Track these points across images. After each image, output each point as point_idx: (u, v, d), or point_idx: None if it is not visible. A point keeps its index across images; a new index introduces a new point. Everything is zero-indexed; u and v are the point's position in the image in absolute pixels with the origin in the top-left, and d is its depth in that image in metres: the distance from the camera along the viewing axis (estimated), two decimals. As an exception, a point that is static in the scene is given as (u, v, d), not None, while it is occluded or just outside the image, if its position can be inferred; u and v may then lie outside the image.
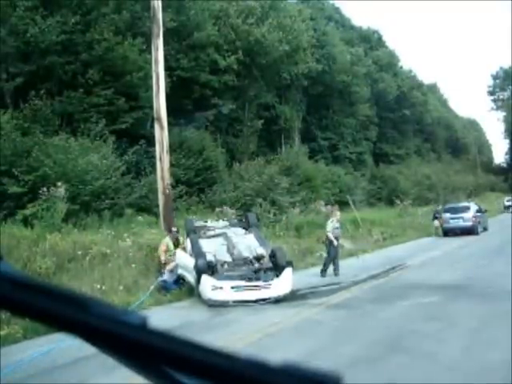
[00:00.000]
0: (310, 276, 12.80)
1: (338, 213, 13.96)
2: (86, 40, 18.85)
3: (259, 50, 26.64)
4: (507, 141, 68.51)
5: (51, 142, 15.33)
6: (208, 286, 9.61)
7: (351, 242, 18.92)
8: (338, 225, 13.28)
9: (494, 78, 69.57)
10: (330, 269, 13.00)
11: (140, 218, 15.73)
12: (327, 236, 13.21)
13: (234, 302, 9.47)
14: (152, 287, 10.49)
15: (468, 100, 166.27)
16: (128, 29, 20.16)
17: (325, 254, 13.76)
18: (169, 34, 19.04)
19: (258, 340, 6.85)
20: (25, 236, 11.34)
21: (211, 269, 10.08)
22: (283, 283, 9.99)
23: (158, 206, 14.87)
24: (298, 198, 22.83)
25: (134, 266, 11.59)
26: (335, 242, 13.00)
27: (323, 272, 12.87)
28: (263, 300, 9.57)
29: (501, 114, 69.09)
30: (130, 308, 9.19)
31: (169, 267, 11.07)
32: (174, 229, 12.00)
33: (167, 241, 11.63)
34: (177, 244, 11.65)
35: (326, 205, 23.52)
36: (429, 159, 51.05)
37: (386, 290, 10.35)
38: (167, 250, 11.47)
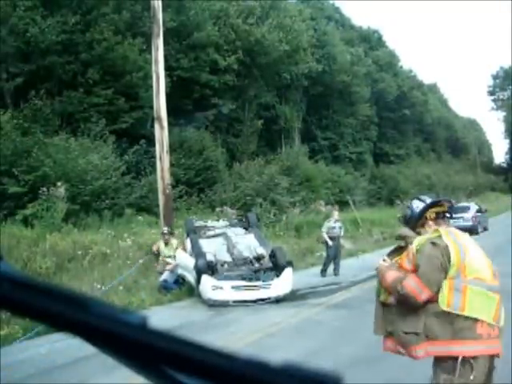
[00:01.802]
0: (310, 276, 12.81)
1: (336, 213, 14.01)
2: (86, 40, 18.84)
3: (259, 50, 26.63)
4: (507, 141, 68.45)
5: (51, 142, 15.33)
6: (208, 285, 9.62)
7: (351, 242, 18.91)
8: (335, 225, 13.28)
9: (494, 78, 69.48)
10: (330, 269, 13.01)
11: (140, 217, 15.73)
12: (323, 236, 13.32)
13: (234, 301, 9.47)
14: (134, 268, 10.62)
15: (468, 100, 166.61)
16: (128, 29, 20.16)
17: (325, 254, 13.79)
18: (169, 34, 19.02)
19: (258, 340, 6.85)
20: (25, 236, 11.34)
21: (211, 269, 10.08)
22: (283, 283, 9.99)
23: (158, 205, 14.85)
24: (298, 198, 22.82)
25: (133, 266, 11.61)
26: (330, 243, 13.05)
27: (323, 272, 12.89)
28: (263, 300, 9.58)
29: (501, 114, 69.06)
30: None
31: (169, 267, 11.09)
32: (164, 229, 11.91)
33: (159, 243, 11.69)
34: (166, 245, 11.60)
35: (326, 205, 23.52)
36: (429, 159, 51.00)
37: (386, 290, 10.34)
38: (158, 252, 11.55)
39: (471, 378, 2.81)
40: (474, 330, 2.85)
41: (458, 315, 2.86)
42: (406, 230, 3.26)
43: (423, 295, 2.90)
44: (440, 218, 3.25)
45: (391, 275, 3.09)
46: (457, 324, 2.86)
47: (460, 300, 2.88)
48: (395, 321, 3.07)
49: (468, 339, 2.85)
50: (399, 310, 3.07)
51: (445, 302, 2.88)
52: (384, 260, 3.29)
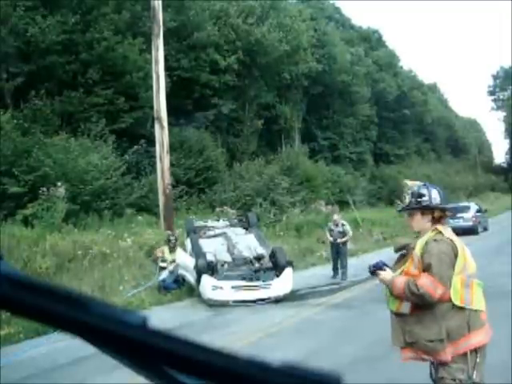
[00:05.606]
0: (310, 276, 12.81)
1: (335, 215, 14.15)
2: (86, 40, 18.82)
3: (259, 50, 26.61)
4: (507, 141, 68.42)
5: (51, 142, 15.32)
6: (208, 285, 9.62)
7: (351, 242, 18.88)
8: (333, 227, 13.25)
9: (495, 78, 69.44)
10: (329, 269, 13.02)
11: (140, 217, 15.73)
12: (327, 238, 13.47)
13: (234, 301, 9.47)
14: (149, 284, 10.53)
15: (468, 100, 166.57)
16: (128, 29, 20.14)
17: (325, 255, 13.84)
18: (169, 34, 19.02)
19: (258, 340, 6.85)
20: (25, 236, 11.34)
21: (211, 269, 10.09)
22: (283, 283, 10.00)
23: (158, 205, 14.86)
24: (298, 198, 22.81)
25: (134, 266, 11.60)
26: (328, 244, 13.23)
27: (341, 274, 12.69)
28: (263, 300, 9.58)
29: (501, 114, 68.96)
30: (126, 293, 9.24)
31: (169, 267, 11.07)
32: (172, 237, 11.70)
33: (163, 249, 11.47)
34: (173, 249, 11.44)
35: (327, 205, 23.52)
36: (429, 159, 50.97)
37: (386, 290, 10.33)
38: (162, 257, 11.40)
39: (481, 360, 3.08)
40: (480, 319, 3.08)
41: (468, 309, 3.03)
42: (403, 239, 3.32)
43: (438, 291, 2.97)
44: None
45: (401, 281, 3.09)
46: (469, 318, 3.03)
47: (469, 294, 3.05)
48: (415, 331, 3.09)
49: (479, 329, 3.05)
50: (416, 319, 3.09)
51: (458, 297, 3.01)
52: (386, 268, 3.29)
